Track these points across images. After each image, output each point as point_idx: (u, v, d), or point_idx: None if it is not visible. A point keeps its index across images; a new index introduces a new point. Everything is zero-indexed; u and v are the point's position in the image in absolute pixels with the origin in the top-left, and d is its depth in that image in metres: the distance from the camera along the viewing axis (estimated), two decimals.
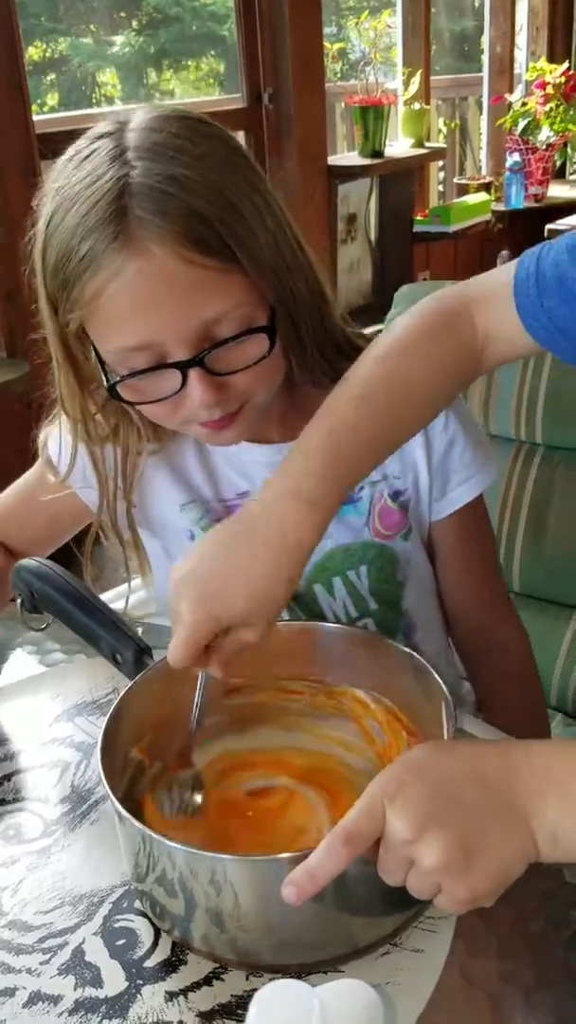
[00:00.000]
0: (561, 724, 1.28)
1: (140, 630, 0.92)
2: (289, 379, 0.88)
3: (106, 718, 0.68)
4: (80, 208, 0.74)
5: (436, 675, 0.69)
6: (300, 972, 0.60)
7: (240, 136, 2.93)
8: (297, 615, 0.94)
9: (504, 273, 0.74)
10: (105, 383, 0.80)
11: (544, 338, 0.73)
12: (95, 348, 0.79)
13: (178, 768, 0.73)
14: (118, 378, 0.78)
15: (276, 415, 0.90)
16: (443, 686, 0.68)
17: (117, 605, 0.96)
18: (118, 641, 0.75)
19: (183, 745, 0.73)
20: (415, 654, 0.73)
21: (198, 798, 0.71)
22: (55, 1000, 0.61)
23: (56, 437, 0.94)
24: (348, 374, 0.74)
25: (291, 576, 0.66)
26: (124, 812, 0.60)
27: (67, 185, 0.75)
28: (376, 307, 3.25)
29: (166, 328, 0.74)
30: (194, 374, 0.76)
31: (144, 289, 0.73)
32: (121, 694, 0.71)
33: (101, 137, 0.76)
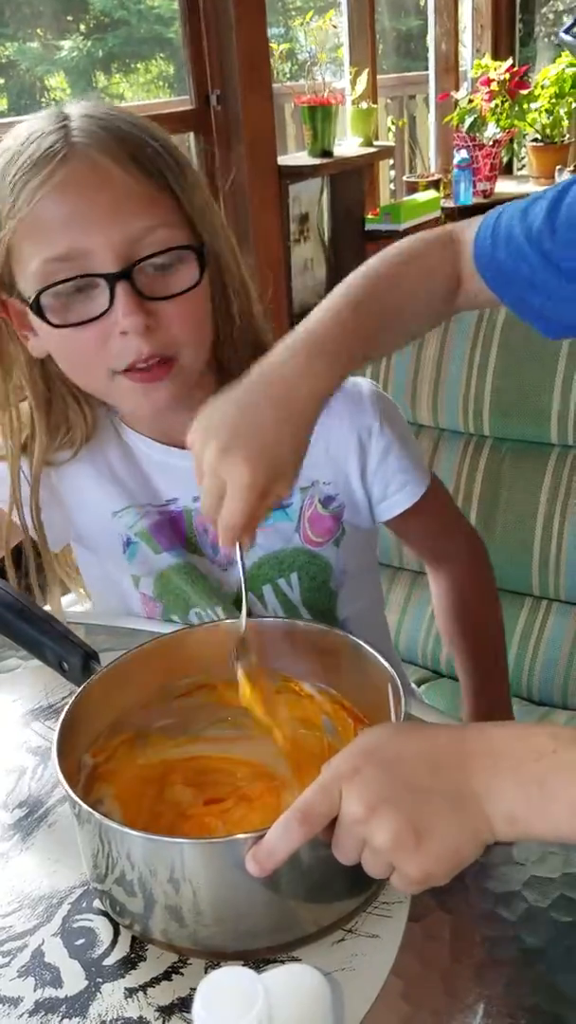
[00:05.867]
0: (518, 706, 1.31)
1: (83, 632, 0.93)
2: (217, 376, 0.89)
3: (60, 720, 0.69)
4: (22, 144, 0.78)
5: (381, 659, 0.71)
6: (257, 960, 0.62)
7: (189, 138, 2.93)
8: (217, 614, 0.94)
9: (478, 221, 0.82)
10: (29, 307, 0.79)
11: (495, 286, 0.80)
12: (20, 296, 0.80)
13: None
14: (45, 294, 0.78)
15: None
16: (389, 669, 0.69)
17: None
18: (63, 648, 0.75)
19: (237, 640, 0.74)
20: (359, 640, 0.74)
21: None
22: (15, 1002, 0.61)
23: None
24: (359, 269, 0.80)
25: (312, 426, 0.71)
26: (82, 804, 0.61)
27: (6, 145, 0.80)
28: None
29: (95, 232, 0.76)
30: (121, 290, 0.77)
31: (79, 189, 0.76)
32: (72, 700, 0.71)
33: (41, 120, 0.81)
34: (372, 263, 0.80)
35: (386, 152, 3.59)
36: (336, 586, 0.96)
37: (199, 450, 0.69)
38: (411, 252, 0.82)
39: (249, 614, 0.78)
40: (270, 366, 0.71)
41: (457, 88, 3.99)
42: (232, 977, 0.42)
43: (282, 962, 0.61)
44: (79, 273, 0.77)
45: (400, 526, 1.00)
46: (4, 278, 0.81)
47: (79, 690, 0.72)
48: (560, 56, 3.77)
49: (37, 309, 0.78)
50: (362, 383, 0.95)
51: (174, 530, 0.94)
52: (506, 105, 3.71)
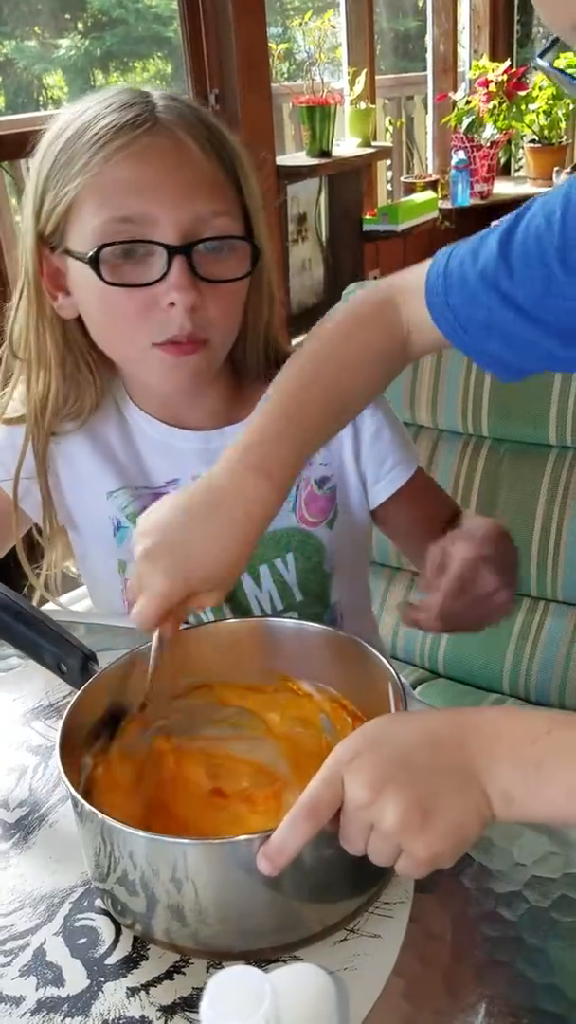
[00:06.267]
0: (515, 706, 1.31)
1: (83, 631, 0.93)
2: (232, 366, 0.92)
3: (61, 722, 0.68)
4: (105, 108, 0.80)
5: (382, 657, 0.71)
6: (259, 960, 0.62)
7: None
8: (221, 609, 0.94)
9: (423, 268, 0.79)
10: (87, 262, 0.80)
11: (449, 332, 0.77)
12: (69, 252, 0.82)
13: (139, 725, 0.74)
14: (106, 249, 0.79)
15: (212, 402, 0.93)
16: (390, 668, 0.70)
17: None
18: (60, 650, 0.75)
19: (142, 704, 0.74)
20: (359, 639, 0.74)
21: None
22: (17, 1001, 0.61)
23: None
24: (293, 357, 0.78)
25: (251, 544, 0.71)
26: (85, 804, 0.61)
27: (85, 107, 0.81)
28: (329, 306, 3.26)
29: (166, 203, 0.78)
30: (179, 263, 0.79)
31: (159, 160, 0.78)
32: (73, 701, 0.71)
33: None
34: (306, 354, 0.78)
35: (384, 153, 3.60)
36: (330, 568, 0.97)
37: (133, 543, 0.71)
38: (345, 332, 0.79)
39: (238, 607, 0.76)
40: (212, 483, 0.71)
41: (455, 89, 4.00)
42: (239, 976, 0.43)
43: (284, 962, 0.62)
44: (141, 238, 0.79)
45: (393, 514, 1.00)
46: (54, 234, 0.82)
47: (80, 691, 0.72)
48: (558, 58, 3.77)
49: (95, 264, 0.79)
50: None
51: None
52: (504, 106, 3.72)
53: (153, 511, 0.72)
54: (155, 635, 0.72)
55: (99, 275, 0.80)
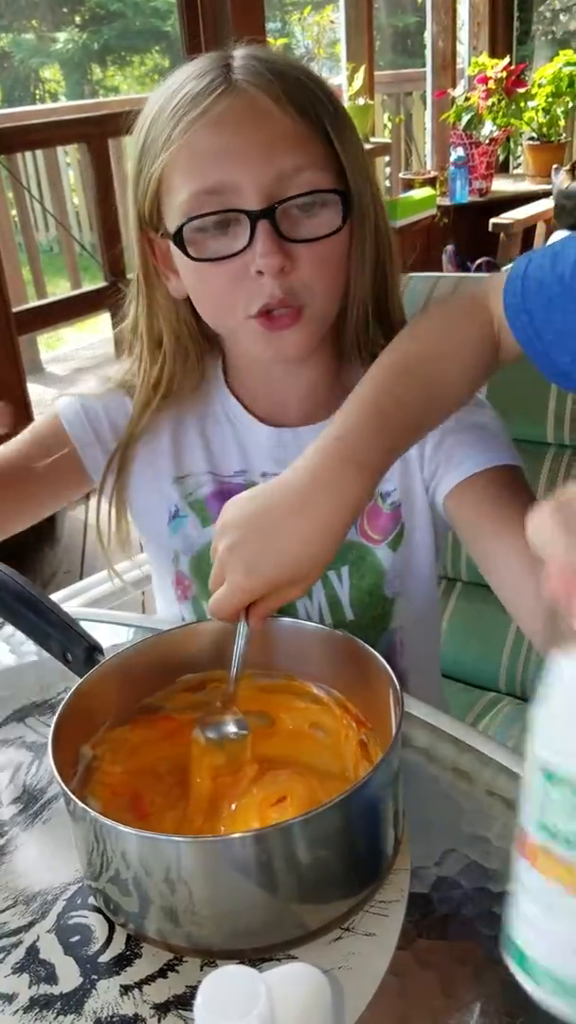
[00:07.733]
0: (510, 704, 1.31)
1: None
2: (332, 342, 0.89)
3: (56, 714, 0.68)
4: (185, 81, 0.79)
5: (381, 659, 0.70)
6: (253, 958, 0.61)
7: None
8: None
9: (507, 271, 0.78)
10: (171, 237, 0.80)
11: (523, 339, 0.76)
12: (167, 233, 0.81)
13: (222, 714, 0.73)
14: (188, 227, 0.78)
15: (307, 381, 0.90)
16: (389, 670, 0.69)
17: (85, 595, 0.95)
18: (68, 639, 0.75)
19: (224, 696, 0.74)
20: (357, 639, 0.73)
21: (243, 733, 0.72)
22: (10, 999, 0.61)
23: (73, 401, 0.95)
24: (387, 350, 0.77)
25: (341, 537, 0.69)
26: (78, 802, 0.61)
27: (170, 82, 0.81)
28: None
29: (247, 166, 0.77)
30: (262, 229, 0.77)
31: (235, 125, 0.77)
32: (72, 689, 0.70)
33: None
34: (401, 348, 0.77)
35: (382, 149, 3.60)
36: (392, 593, 0.93)
37: (215, 535, 0.71)
38: (441, 326, 0.79)
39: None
40: (302, 473, 0.70)
41: (454, 86, 4.00)
42: (234, 976, 0.42)
43: (278, 960, 0.61)
44: (224, 208, 0.78)
45: (458, 509, 0.87)
46: (153, 215, 0.82)
47: (78, 682, 0.71)
48: (558, 55, 3.77)
49: (179, 241, 0.79)
50: None
51: None
52: (503, 103, 3.72)
53: (238, 502, 0.71)
54: (240, 627, 0.71)
55: (185, 252, 0.79)
